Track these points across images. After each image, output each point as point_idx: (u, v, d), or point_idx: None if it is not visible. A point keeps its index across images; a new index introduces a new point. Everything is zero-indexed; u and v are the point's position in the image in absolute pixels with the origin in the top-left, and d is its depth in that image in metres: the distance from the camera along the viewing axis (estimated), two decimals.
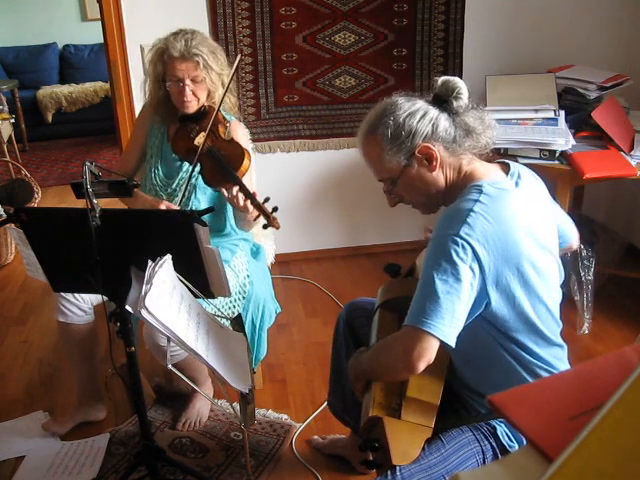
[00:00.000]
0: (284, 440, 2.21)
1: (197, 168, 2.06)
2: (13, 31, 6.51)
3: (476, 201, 1.36)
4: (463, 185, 1.45)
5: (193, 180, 2.12)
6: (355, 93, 3.31)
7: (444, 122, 1.43)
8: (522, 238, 1.36)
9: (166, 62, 2.05)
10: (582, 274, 2.74)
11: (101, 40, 3.16)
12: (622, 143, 2.66)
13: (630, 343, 2.65)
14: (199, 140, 2.02)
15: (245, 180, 1.99)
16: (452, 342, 1.30)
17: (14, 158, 5.32)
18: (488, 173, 1.46)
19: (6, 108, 5.21)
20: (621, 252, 3.07)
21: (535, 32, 3.31)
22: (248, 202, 1.85)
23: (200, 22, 3.05)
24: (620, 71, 3.03)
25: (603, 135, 2.70)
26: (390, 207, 1.58)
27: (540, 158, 2.59)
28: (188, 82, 2.05)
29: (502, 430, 1.45)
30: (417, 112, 1.43)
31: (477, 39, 3.29)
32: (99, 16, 3.00)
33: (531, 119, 2.72)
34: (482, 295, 1.34)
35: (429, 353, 1.30)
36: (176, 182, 2.17)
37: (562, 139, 2.60)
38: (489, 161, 1.52)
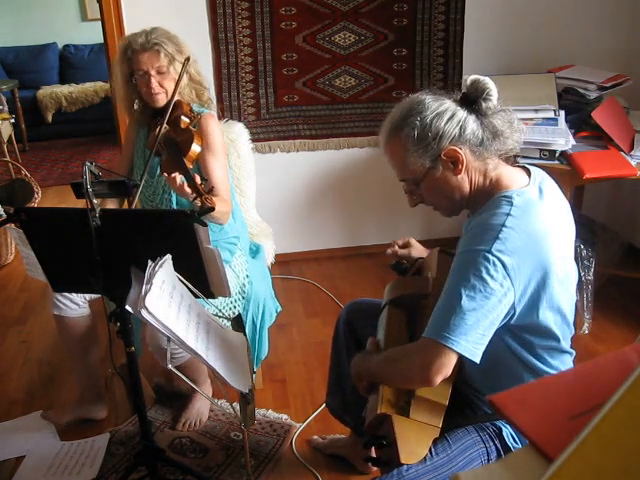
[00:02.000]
0: (284, 440, 2.21)
1: (158, 159, 2.10)
2: (13, 31, 6.51)
3: (507, 215, 1.33)
4: (490, 192, 1.41)
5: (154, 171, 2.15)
6: (355, 93, 3.31)
7: (472, 124, 1.38)
8: (550, 251, 1.35)
9: (130, 58, 2.08)
10: (582, 274, 2.74)
11: (101, 40, 3.16)
12: (622, 143, 2.66)
13: (630, 343, 2.65)
14: (157, 130, 2.04)
15: (215, 172, 2.04)
16: (476, 358, 1.29)
17: (14, 158, 5.32)
18: (513, 180, 1.42)
19: (6, 108, 5.20)
20: (621, 252, 3.07)
21: (535, 32, 3.31)
22: (185, 184, 1.83)
23: (200, 22, 3.05)
24: (620, 71, 3.03)
25: (603, 135, 2.70)
26: (411, 207, 1.54)
27: (540, 158, 2.59)
28: (153, 73, 2.06)
29: (507, 431, 1.44)
30: (445, 113, 1.38)
31: (477, 39, 3.29)
32: (99, 16, 3.00)
33: (531, 119, 2.72)
34: (509, 308, 1.33)
35: (447, 368, 1.29)
36: (156, 179, 2.18)
37: (562, 139, 2.60)
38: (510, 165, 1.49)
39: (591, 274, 2.74)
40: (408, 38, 3.26)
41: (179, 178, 1.82)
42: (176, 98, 2.10)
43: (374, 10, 3.18)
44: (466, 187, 1.42)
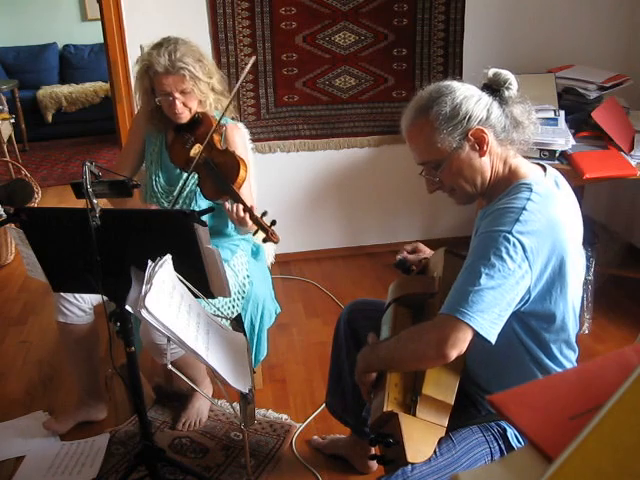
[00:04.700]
0: (284, 440, 2.21)
1: (194, 179, 2.07)
2: (13, 31, 6.51)
3: (528, 199, 1.37)
4: (508, 180, 1.45)
5: (187, 189, 2.13)
6: (355, 93, 3.31)
7: (497, 110, 1.43)
8: (567, 239, 1.38)
9: (152, 78, 2.04)
10: None
11: (101, 40, 3.16)
12: (622, 143, 2.66)
13: (630, 343, 2.65)
14: (194, 152, 2.01)
15: (245, 190, 1.99)
16: (492, 338, 1.30)
17: (14, 158, 5.32)
18: (530, 170, 1.46)
19: (6, 108, 5.21)
20: (621, 252, 3.07)
21: (535, 32, 3.31)
22: (247, 216, 1.84)
23: (200, 22, 3.05)
24: (620, 71, 3.03)
25: (603, 135, 2.70)
26: (428, 194, 1.55)
27: (540, 158, 2.59)
28: (177, 95, 2.03)
29: (512, 432, 1.44)
30: (473, 96, 1.42)
31: (477, 39, 3.29)
32: (99, 16, 3.00)
33: None
34: (525, 293, 1.35)
35: (463, 344, 1.30)
36: (177, 189, 2.15)
37: (562, 139, 2.60)
38: None
39: (591, 274, 2.74)
40: (408, 38, 3.26)
41: (240, 209, 1.82)
42: (200, 110, 2.09)
43: (374, 10, 3.18)
44: (487, 171, 1.45)
